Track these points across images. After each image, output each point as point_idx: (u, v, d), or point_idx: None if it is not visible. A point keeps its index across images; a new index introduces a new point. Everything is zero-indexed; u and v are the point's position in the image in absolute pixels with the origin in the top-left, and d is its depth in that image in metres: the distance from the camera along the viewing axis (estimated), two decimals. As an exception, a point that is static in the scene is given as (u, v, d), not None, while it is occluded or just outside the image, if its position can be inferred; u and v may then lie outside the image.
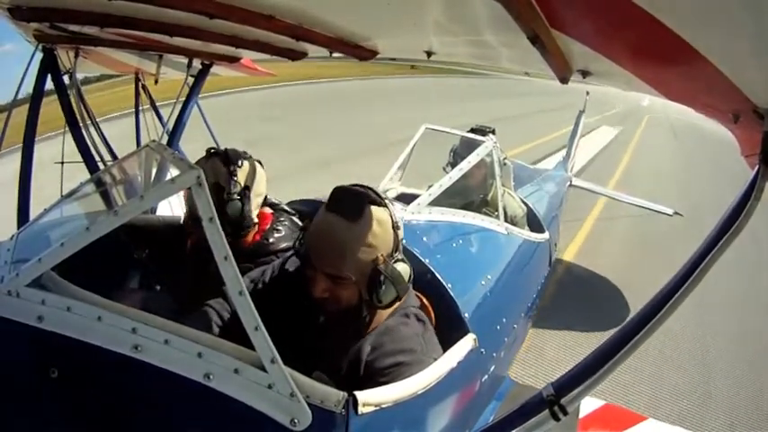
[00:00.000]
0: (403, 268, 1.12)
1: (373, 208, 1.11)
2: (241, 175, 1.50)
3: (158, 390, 0.88)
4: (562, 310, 3.55)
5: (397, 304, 1.18)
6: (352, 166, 6.33)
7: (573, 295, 3.96)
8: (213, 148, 1.54)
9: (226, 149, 1.53)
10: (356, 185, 1.16)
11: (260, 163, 1.59)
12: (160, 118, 3.48)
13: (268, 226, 1.58)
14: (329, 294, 1.10)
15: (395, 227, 1.14)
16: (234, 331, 0.91)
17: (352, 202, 1.10)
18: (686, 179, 9.57)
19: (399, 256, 1.14)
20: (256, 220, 1.55)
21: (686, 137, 15.55)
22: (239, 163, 1.50)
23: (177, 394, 0.87)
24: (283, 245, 1.53)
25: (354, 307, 1.12)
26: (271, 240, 1.54)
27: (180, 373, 0.84)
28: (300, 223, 1.63)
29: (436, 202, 1.87)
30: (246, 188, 1.50)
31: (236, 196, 1.47)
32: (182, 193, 1.47)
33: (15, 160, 2.08)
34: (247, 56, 2.53)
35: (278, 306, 1.17)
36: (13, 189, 2.07)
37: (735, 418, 2.81)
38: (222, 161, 1.49)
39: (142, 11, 1.43)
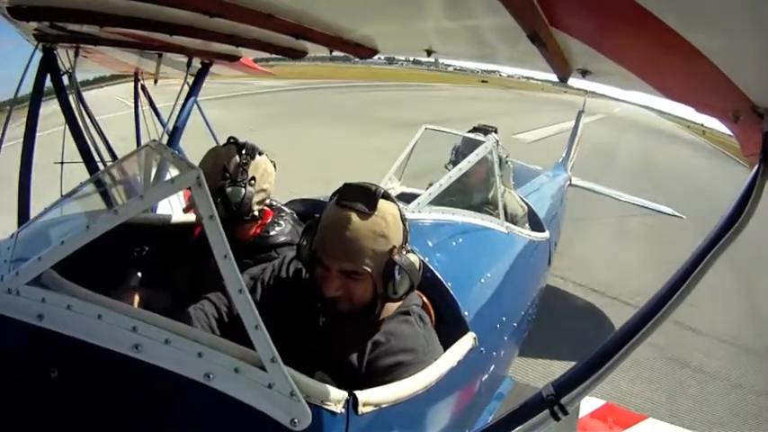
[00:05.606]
0: (414, 258, 1.14)
1: (384, 201, 1.13)
2: (251, 167, 1.53)
3: (158, 389, 0.88)
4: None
5: (401, 301, 1.18)
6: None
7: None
8: (233, 138, 1.58)
9: (245, 142, 1.56)
10: (362, 183, 1.17)
11: (273, 164, 1.61)
12: (160, 118, 3.48)
13: (269, 220, 1.58)
14: (342, 292, 1.10)
15: (403, 219, 1.16)
16: (233, 329, 0.91)
17: (365, 197, 1.11)
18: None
19: (409, 247, 1.16)
20: (257, 214, 1.56)
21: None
22: (253, 155, 1.54)
23: (177, 394, 0.87)
24: (283, 239, 1.54)
25: (367, 303, 1.12)
26: (271, 233, 1.54)
27: (180, 372, 0.84)
28: (299, 221, 1.63)
29: (436, 202, 1.87)
30: (252, 179, 1.52)
31: (240, 183, 1.49)
32: (182, 192, 1.47)
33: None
34: (247, 55, 2.53)
35: (279, 305, 1.17)
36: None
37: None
38: (237, 150, 1.53)
39: (142, 9, 1.43)
